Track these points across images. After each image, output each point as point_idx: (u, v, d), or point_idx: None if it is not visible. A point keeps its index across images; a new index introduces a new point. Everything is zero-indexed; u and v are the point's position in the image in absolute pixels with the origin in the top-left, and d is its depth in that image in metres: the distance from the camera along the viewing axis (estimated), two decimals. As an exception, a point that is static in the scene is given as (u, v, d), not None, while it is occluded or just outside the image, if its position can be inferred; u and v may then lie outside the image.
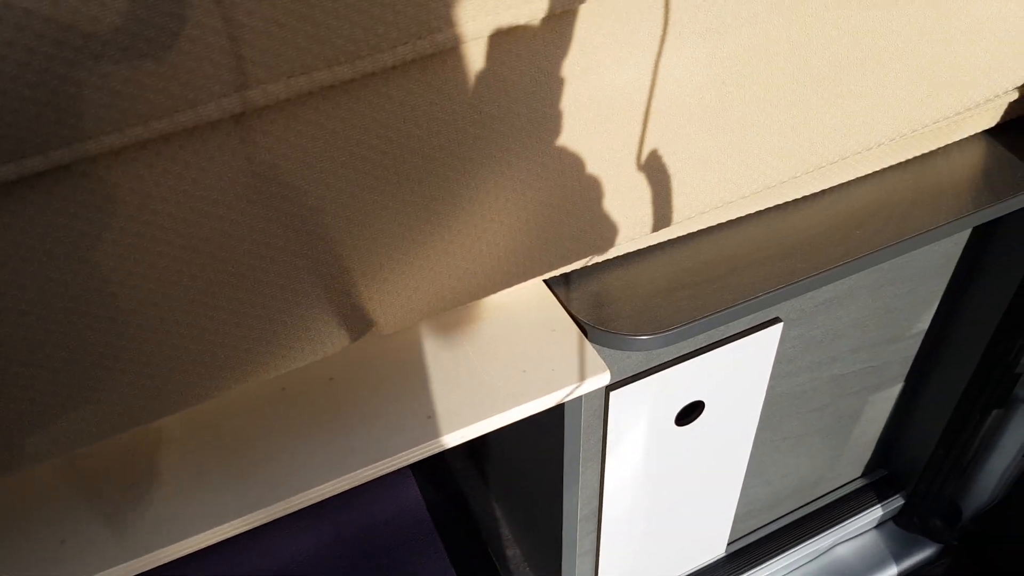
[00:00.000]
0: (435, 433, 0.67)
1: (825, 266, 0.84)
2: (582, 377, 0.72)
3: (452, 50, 0.53)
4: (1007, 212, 0.95)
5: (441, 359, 0.74)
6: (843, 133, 0.78)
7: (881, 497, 1.43)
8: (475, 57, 0.55)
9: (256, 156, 0.51)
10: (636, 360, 0.90)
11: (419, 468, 1.46)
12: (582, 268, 0.83)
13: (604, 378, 0.73)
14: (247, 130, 0.50)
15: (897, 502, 1.44)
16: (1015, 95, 0.98)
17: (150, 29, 0.43)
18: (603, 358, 0.84)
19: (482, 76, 0.56)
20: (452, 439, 0.67)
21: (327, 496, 0.65)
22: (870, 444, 1.40)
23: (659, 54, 0.61)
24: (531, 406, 0.70)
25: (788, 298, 0.84)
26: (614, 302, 0.80)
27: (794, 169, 0.77)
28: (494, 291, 0.66)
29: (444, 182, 0.59)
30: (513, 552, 1.33)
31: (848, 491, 1.44)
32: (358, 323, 0.62)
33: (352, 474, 0.65)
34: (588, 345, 0.75)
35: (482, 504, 1.38)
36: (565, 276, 0.83)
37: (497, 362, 0.73)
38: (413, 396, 0.70)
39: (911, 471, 1.41)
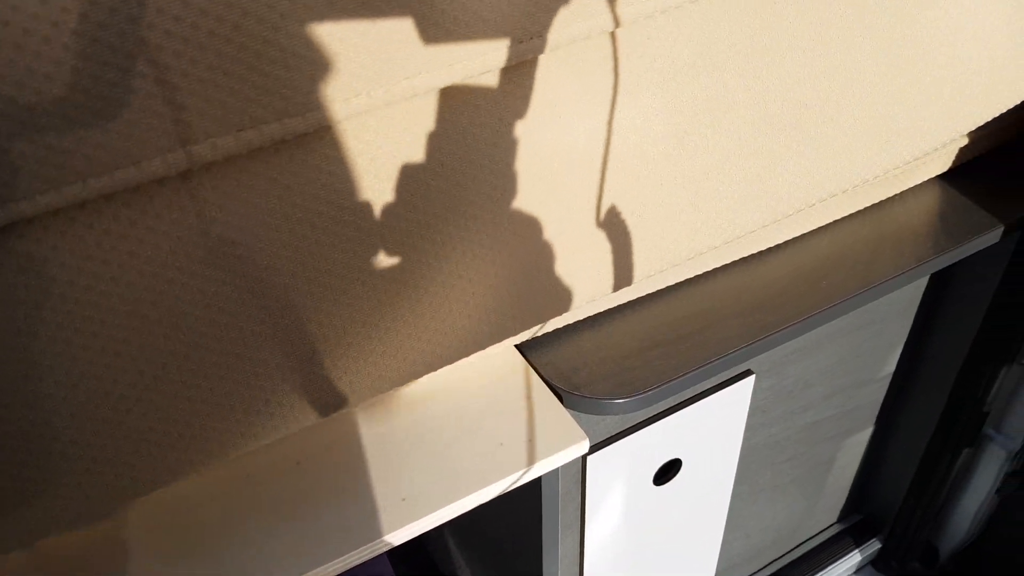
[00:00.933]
0: (411, 516, 0.64)
1: (795, 318, 0.84)
2: (561, 447, 0.70)
3: (410, 101, 0.52)
4: (966, 255, 0.96)
5: (414, 435, 0.71)
6: (806, 181, 0.78)
7: (858, 542, 1.42)
8: (435, 107, 0.54)
9: (206, 213, 0.48)
10: (611, 422, 0.89)
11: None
12: (553, 331, 0.81)
13: (583, 446, 0.71)
14: (196, 186, 0.48)
15: (874, 546, 1.43)
16: (965, 140, 1.00)
17: (94, 100, 0.41)
18: (579, 423, 0.83)
19: (442, 127, 0.54)
20: (429, 522, 0.65)
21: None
22: (845, 489, 1.39)
23: (613, 104, 0.61)
24: (510, 480, 0.67)
25: (761, 352, 0.83)
26: (588, 365, 0.78)
27: (758, 220, 0.77)
28: (466, 354, 0.64)
29: (407, 237, 0.57)
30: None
31: (825, 538, 1.43)
32: (325, 396, 0.60)
33: (325, 566, 0.61)
34: (565, 412, 0.73)
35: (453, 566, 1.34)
36: (537, 340, 0.81)
37: (473, 436, 0.71)
38: (386, 478, 0.67)
39: (886, 514, 1.40)
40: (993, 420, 1.20)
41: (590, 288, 0.71)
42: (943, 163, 1.02)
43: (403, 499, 0.66)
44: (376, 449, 0.70)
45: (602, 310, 0.83)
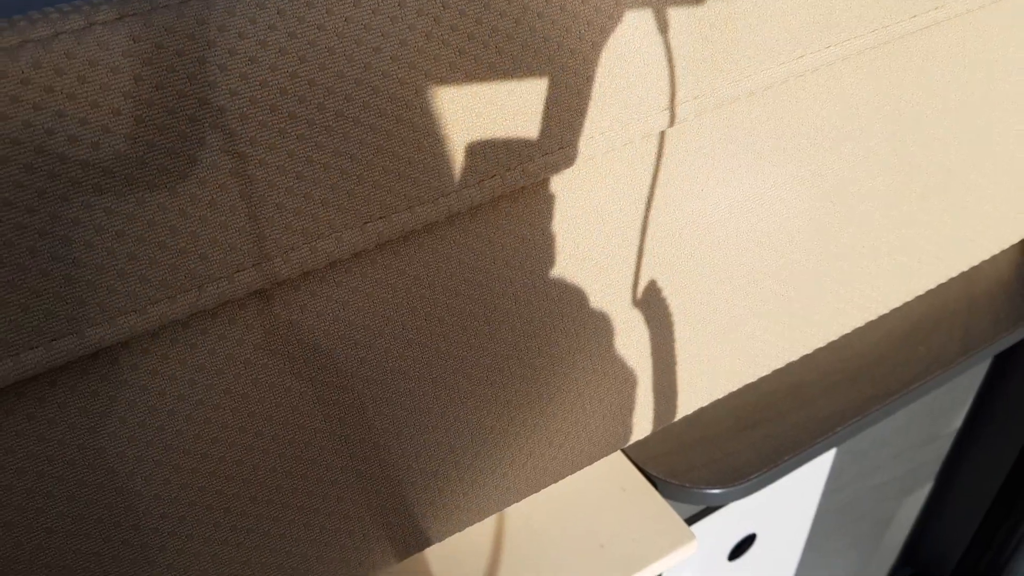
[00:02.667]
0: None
1: (897, 391, 0.78)
2: (668, 549, 0.63)
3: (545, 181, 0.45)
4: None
5: (512, 538, 0.64)
6: (951, 251, 0.71)
7: (910, 598, 1.36)
8: (568, 187, 0.47)
9: (293, 333, 0.41)
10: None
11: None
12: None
13: (692, 547, 0.64)
14: (277, 303, 0.40)
15: (926, 603, 1.37)
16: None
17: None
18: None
19: (578, 207, 0.48)
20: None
21: None
22: (899, 545, 1.33)
23: (754, 176, 0.54)
24: (618, 592, 0.60)
25: (863, 429, 0.77)
26: (684, 449, 0.72)
27: (903, 295, 0.70)
28: (591, 462, 0.57)
29: (541, 329, 0.49)
30: None
31: (877, 593, 1.37)
32: (410, 536, 0.52)
33: None
34: (668, 507, 0.66)
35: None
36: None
37: (571, 537, 0.64)
38: (481, 589, 0.60)
39: (941, 571, 1.34)
40: (1063, 479, 1.15)
41: (730, 380, 0.63)
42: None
43: (502, 617, 0.59)
44: (467, 555, 0.63)
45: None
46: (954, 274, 0.72)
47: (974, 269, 0.91)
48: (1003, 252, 0.94)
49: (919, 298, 0.88)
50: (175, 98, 0.33)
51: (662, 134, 0.48)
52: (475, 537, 0.64)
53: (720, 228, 0.54)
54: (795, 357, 0.64)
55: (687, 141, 0.50)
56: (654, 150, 0.49)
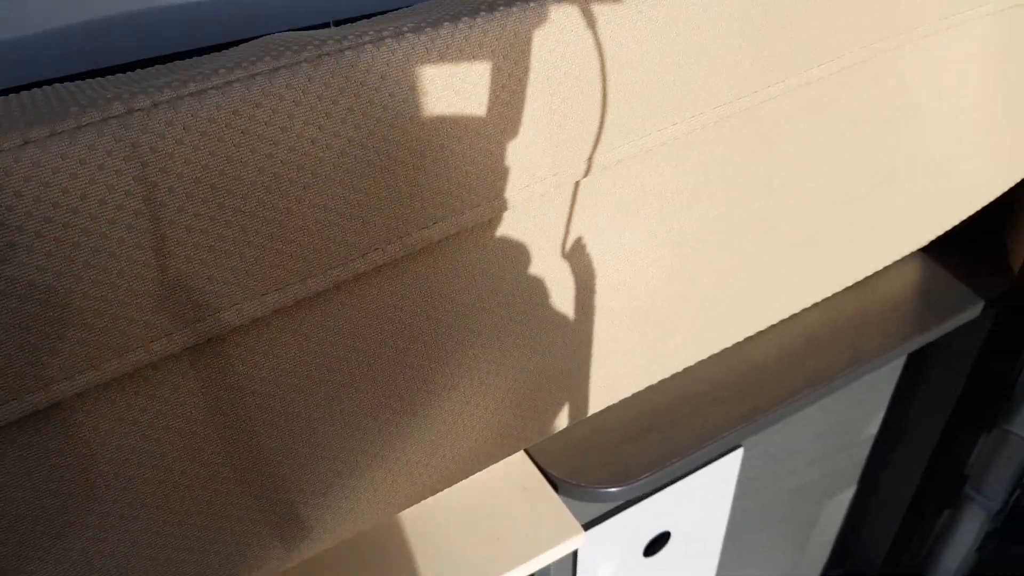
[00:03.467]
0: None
1: (785, 400, 0.86)
2: (556, 541, 0.71)
3: (427, 247, 0.53)
4: (949, 331, 0.98)
5: (412, 533, 0.71)
6: (801, 288, 0.80)
7: (841, 597, 1.44)
8: (444, 253, 0.55)
9: (225, 379, 0.49)
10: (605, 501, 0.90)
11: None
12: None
13: (578, 540, 0.72)
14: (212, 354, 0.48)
15: (857, 602, 1.45)
16: (944, 215, 1.03)
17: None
18: (573, 506, 0.84)
19: (449, 269, 0.55)
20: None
21: None
22: (828, 545, 1.41)
23: (615, 231, 0.62)
24: (509, 578, 0.68)
25: (751, 434, 0.85)
26: (584, 453, 0.79)
27: (757, 325, 0.79)
28: (471, 473, 0.65)
29: (417, 372, 0.58)
30: None
31: (808, 594, 1.44)
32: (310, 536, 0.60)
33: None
34: (561, 504, 0.74)
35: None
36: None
37: (470, 531, 0.71)
38: (384, 576, 0.68)
39: (869, 570, 1.42)
40: (973, 482, 1.22)
41: (596, 401, 0.72)
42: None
43: (401, 601, 0.66)
44: (373, 550, 0.70)
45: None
46: (801, 308, 0.81)
47: (867, 287, 0.99)
48: (897, 267, 1.02)
49: (813, 316, 0.96)
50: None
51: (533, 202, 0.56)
52: (377, 528, 0.71)
53: (588, 275, 0.62)
54: (651, 382, 0.72)
55: (555, 206, 0.58)
56: (532, 215, 0.57)
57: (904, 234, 0.84)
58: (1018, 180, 0.92)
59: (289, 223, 0.46)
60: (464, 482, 0.76)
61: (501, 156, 0.50)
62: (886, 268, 1.03)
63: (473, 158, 0.49)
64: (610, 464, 0.78)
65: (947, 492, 1.22)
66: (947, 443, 1.18)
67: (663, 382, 0.87)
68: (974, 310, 0.98)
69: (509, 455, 0.66)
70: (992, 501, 1.23)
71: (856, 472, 1.28)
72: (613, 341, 0.66)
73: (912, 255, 1.05)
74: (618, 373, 0.69)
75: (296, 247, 0.47)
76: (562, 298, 0.62)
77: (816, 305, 0.97)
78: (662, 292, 0.67)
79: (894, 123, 0.75)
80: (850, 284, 0.84)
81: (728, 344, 0.78)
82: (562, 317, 0.62)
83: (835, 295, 0.98)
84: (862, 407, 1.16)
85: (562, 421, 0.68)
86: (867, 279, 1.01)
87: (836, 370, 0.89)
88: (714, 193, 0.66)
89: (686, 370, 0.89)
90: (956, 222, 0.90)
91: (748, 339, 0.92)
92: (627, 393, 0.72)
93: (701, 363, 0.90)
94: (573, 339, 0.63)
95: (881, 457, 1.28)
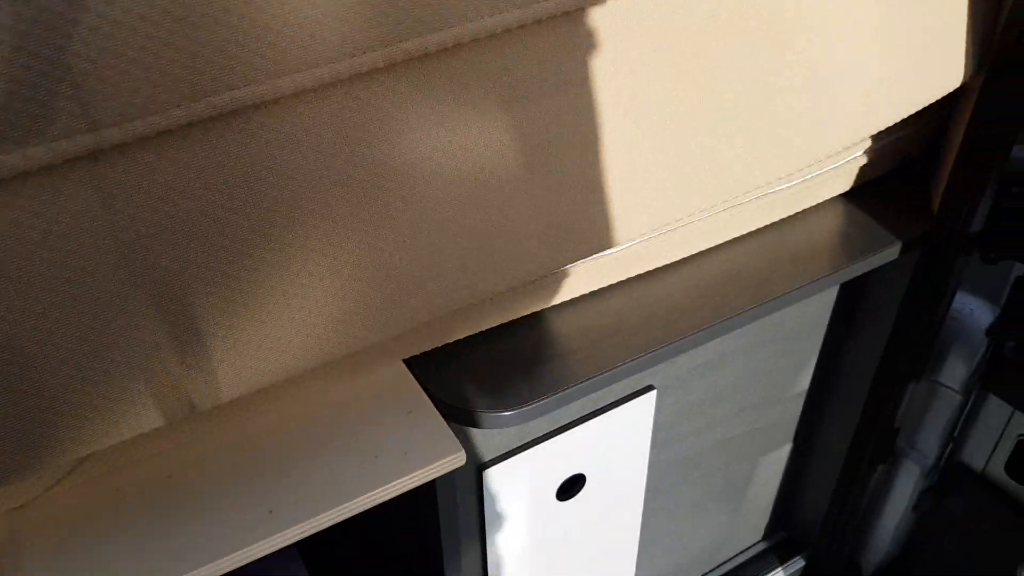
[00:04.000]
0: (276, 529, 0.64)
1: (686, 332, 0.85)
2: (435, 459, 0.70)
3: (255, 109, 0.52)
4: (863, 272, 0.97)
5: (289, 449, 0.71)
6: (707, 182, 0.78)
7: (783, 559, 1.43)
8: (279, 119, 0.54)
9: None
10: (509, 437, 0.89)
11: (310, 558, 1.40)
12: (444, 347, 0.81)
13: (459, 458, 0.71)
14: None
15: (798, 564, 1.44)
16: (864, 159, 1.02)
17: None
18: (473, 438, 0.83)
19: (276, 137, 0.55)
20: (293, 534, 0.64)
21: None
22: (767, 507, 1.40)
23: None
24: (378, 495, 0.67)
25: (650, 366, 0.84)
26: (475, 380, 0.79)
27: (647, 224, 0.77)
28: (323, 359, 0.64)
29: (245, 247, 0.57)
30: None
31: (750, 556, 1.43)
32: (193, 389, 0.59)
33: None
34: (444, 425, 0.73)
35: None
36: (427, 356, 0.81)
37: (349, 449, 0.71)
38: (255, 490, 0.67)
39: (809, 532, 1.41)
40: (906, 436, 1.22)
41: (451, 298, 0.70)
42: (845, 181, 1.04)
43: (269, 511, 0.65)
44: (248, 463, 0.70)
45: (494, 326, 0.83)
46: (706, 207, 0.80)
47: (787, 228, 0.99)
48: (818, 211, 1.01)
49: (729, 254, 0.95)
50: None
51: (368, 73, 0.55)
52: (261, 442, 0.71)
53: (423, 165, 0.61)
54: (512, 285, 0.71)
55: (387, 87, 0.57)
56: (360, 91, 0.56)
57: (799, 145, 0.83)
58: (922, 105, 0.91)
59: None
60: (349, 402, 0.75)
61: (320, 24, 0.50)
62: (807, 212, 1.03)
63: (286, 21, 0.48)
64: (502, 391, 0.77)
65: (881, 448, 1.21)
66: (878, 396, 1.17)
67: (565, 315, 0.86)
68: (892, 251, 0.98)
69: (361, 345, 0.64)
70: (925, 456, 1.22)
71: (791, 430, 1.28)
72: (454, 239, 0.65)
73: (833, 201, 1.04)
74: (471, 269, 0.67)
75: (87, 94, 0.46)
76: (398, 189, 0.60)
77: (734, 245, 0.96)
78: (509, 187, 0.66)
79: (791, 35, 0.74)
80: (749, 188, 0.82)
81: (580, 255, 0.76)
82: (397, 209, 0.61)
83: (755, 236, 0.98)
84: (789, 360, 1.15)
85: (410, 318, 0.67)
86: (788, 222, 1.00)
87: (745, 303, 0.88)
88: (583, 84, 0.65)
89: (590, 304, 0.88)
90: (858, 138, 0.89)
91: (658, 276, 0.91)
92: (481, 296, 0.70)
93: (605, 298, 0.89)
94: (411, 234, 0.62)
95: (815, 414, 1.27)
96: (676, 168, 0.75)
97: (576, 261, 0.77)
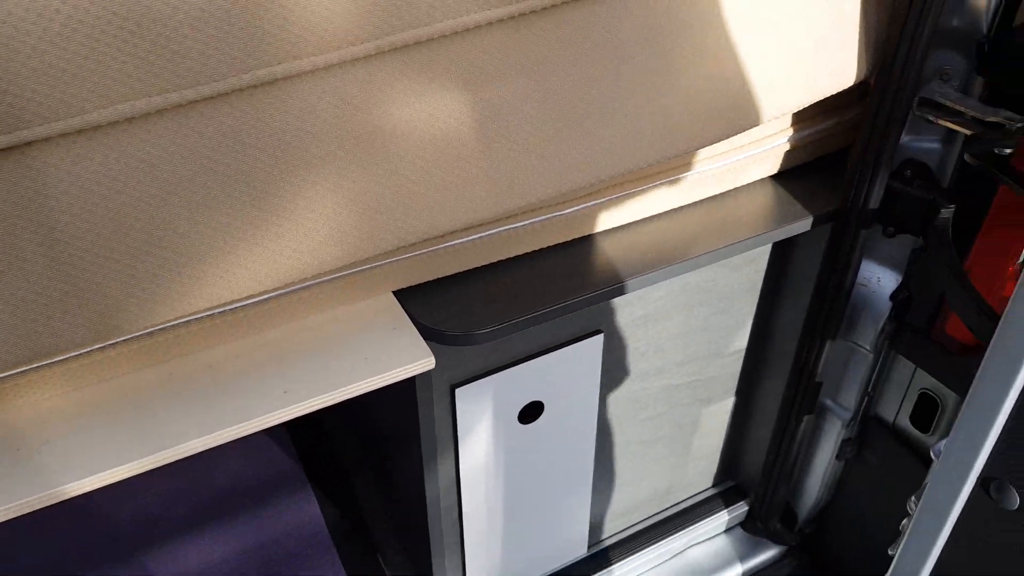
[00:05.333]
0: (291, 402, 0.85)
1: (626, 278, 1.05)
2: (411, 361, 0.90)
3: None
4: (782, 239, 1.17)
5: (300, 350, 0.91)
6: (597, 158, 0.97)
7: (728, 504, 1.63)
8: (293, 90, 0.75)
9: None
10: (478, 362, 1.09)
11: (319, 483, 1.61)
12: (425, 283, 1.02)
13: (429, 362, 0.91)
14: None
15: (742, 508, 1.63)
16: (788, 146, 1.22)
17: None
18: (446, 356, 1.03)
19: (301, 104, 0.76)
20: (303, 407, 0.85)
21: (209, 447, 0.82)
22: (715, 456, 1.59)
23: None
24: (366, 384, 0.88)
25: (596, 302, 1.04)
26: (449, 308, 0.99)
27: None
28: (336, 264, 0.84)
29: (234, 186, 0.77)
30: (400, 558, 1.48)
31: (699, 499, 1.63)
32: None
33: (222, 431, 0.82)
34: (419, 339, 0.94)
35: (374, 514, 1.54)
36: (414, 289, 1.02)
37: (345, 352, 0.91)
38: (275, 378, 0.88)
39: (752, 479, 1.61)
40: (829, 391, 1.41)
41: (418, 229, 0.88)
42: (772, 165, 1.23)
43: (284, 391, 0.86)
44: (270, 361, 0.91)
45: (467, 269, 1.04)
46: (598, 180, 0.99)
47: (717, 202, 1.19)
48: (747, 190, 1.21)
49: (664, 223, 1.15)
50: None
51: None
52: (279, 351, 0.92)
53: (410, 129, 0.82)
54: (454, 228, 0.91)
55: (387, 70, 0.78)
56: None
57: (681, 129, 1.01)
58: (815, 99, 1.10)
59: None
60: (348, 319, 0.96)
61: (327, 17, 0.71)
62: (738, 190, 1.23)
63: (304, 16, 0.69)
64: (468, 318, 0.98)
65: (806, 401, 1.41)
66: (801, 354, 1.37)
67: (528, 265, 1.07)
68: (805, 223, 1.17)
69: (356, 257, 0.84)
70: (845, 410, 1.41)
71: (733, 384, 1.47)
72: (422, 181, 0.86)
73: (761, 182, 1.24)
74: (435, 207, 0.88)
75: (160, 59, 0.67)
76: (389, 146, 0.81)
77: (668, 215, 1.16)
78: (464, 147, 0.86)
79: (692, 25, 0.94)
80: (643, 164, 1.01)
81: (520, 206, 0.95)
82: (380, 157, 0.82)
83: (688, 209, 1.18)
84: (726, 319, 1.35)
85: (391, 239, 0.86)
86: (719, 198, 1.20)
87: (673, 258, 1.08)
88: (528, 72, 0.85)
89: (545, 258, 1.08)
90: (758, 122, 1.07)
91: (601, 239, 1.11)
92: (442, 230, 0.90)
93: (561, 253, 1.09)
94: (390, 177, 0.83)
95: (754, 370, 1.46)
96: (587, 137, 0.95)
97: (518, 210, 0.96)
